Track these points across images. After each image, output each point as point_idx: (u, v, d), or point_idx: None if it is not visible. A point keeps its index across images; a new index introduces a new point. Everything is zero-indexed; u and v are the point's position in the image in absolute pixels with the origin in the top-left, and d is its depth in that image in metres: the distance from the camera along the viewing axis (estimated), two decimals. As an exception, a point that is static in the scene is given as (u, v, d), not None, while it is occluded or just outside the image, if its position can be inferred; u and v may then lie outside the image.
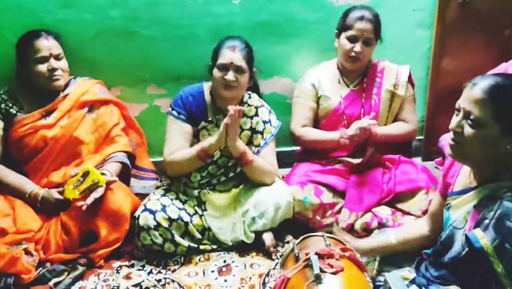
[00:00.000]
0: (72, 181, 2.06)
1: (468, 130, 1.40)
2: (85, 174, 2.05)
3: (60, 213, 2.12)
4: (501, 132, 1.37)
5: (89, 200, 2.02)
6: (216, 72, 2.17)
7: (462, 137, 1.42)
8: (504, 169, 1.43)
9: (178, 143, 2.22)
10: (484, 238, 1.33)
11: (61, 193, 2.08)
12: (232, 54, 2.14)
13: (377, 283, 1.76)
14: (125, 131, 2.44)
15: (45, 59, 2.22)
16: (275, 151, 2.35)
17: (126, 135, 2.45)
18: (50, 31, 2.29)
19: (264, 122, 2.31)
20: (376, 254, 1.85)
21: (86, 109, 2.32)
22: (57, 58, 2.26)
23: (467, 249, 1.39)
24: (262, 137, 2.30)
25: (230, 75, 2.14)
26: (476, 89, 1.38)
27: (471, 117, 1.38)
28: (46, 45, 2.23)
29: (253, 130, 2.30)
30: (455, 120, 1.45)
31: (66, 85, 2.35)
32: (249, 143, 2.30)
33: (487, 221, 1.36)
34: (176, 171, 2.27)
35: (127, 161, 2.34)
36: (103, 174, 2.12)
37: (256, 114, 2.30)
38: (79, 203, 2.01)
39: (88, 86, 2.38)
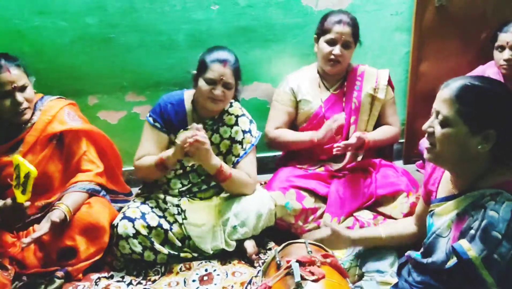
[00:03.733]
0: (14, 183, 1.87)
1: (438, 129, 1.41)
2: (18, 169, 1.85)
3: (29, 229, 2.06)
4: (469, 131, 1.37)
5: (27, 240, 1.88)
6: (203, 85, 2.11)
7: (434, 138, 1.43)
8: (483, 175, 1.43)
9: (148, 150, 2.20)
10: (471, 250, 1.31)
11: (13, 199, 1.90)
12: (223, 70, 2.08)
13: (359, 289, 1.75)
14: (99, 157, 2.28)
15: (8, 94, 2.02)
16: (255, 161, 2.31)
17: (100, 161, 2.28)
18: (11, 57, 2.06)
19: (244, 132, 2.27)
20: (364, 244, 1.85)
21: (54, 142, 2.16)
22: (21, 89, 2.04)
23: (456, 261, 1.36)
24: (242, 147, 2.26)
25: (219, 91, 2.09)
26: (446, 89, 1.40)
27: (440, 116, 1.40)
28: (8, 78, 1.99)
29: (232, 140, 2.26)
30: (428, 121, 1.46)
31: (33, 110, 2.14)
32: (229, 152, 2.27)
33: (472, 231, 1.34)
34: (142, 176, 2.26)
35: (96, 189, 2.19)
36: (58, 205, 2.02)
37: (236, 124, 2.27)
38: (22, 244, 1.89)
39: (56, 111, 2.16)
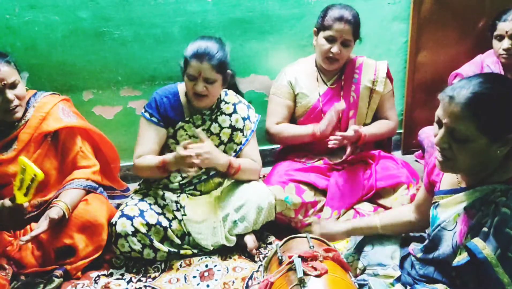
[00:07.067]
0: (16, 184, 1.86)
1: (455, 146, 1.34)
2: (23, 170, 1.83)
3: (26, 227, 2.05)
4: (489, 141, 1.31)
5: (26, 237, 1.87)
6: (186, 81, 2.10)
7: (451, 153, 1.36)
8: (495, 171, 1.39)
9: (148, 146, 2.16)
10: (486, 248, 1.28)
11: (12, 200, 1.87)
12: (200, 66, 2.03)
13: (361, 282, 1.73)
14: (94, 154, 2.26)
15: None
16: (257, 144, 2.32)
17: (95, 158, 2.26)
18: (0, 53, 2.01)
19: (244, 119, 2.26)
20: (361, 234, 1.82)
21: (49, 139, 2.12)
22: (12, 86, 1.99)
23: (466, 259, 1.33)
24: (243, 135, 2.25)
25: (200, 87, 2.06)
26: (454, 104, 1.31)
27: (456, 133, 1.33)
28: None
29: (233, 128, 2.25)
30: (439, 135, 1.38)
31: (25, 107, 2.09)
32: (230, 140, 2.25)
33: (485, 229, 1.31)
34: (141, 175, 2.23)
35: (93, 186, 2.16)
36: (56, 202, 2.00)
37: (235, 111, 2.25)
38: (21, 242, 1.89)
39: (49, 108, 2.11)
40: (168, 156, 2.06)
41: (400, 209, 1.90)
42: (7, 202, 1.89)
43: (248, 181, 2.23)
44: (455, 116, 1.32)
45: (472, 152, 1.34)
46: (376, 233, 1.79)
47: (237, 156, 2.25)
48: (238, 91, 2.38)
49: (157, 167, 2.07)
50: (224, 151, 2.24)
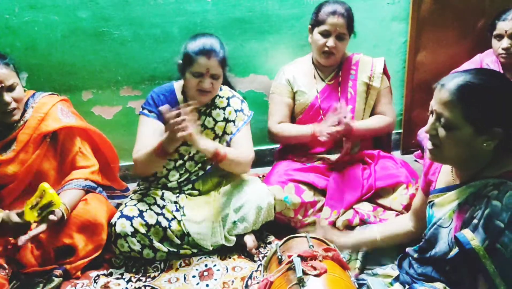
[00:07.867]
0: (30, 202, 1.89)
1: (442, 132, 1.37)
2: (42, 194, 1.87)
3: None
4: (475, 131, 1.34)
5: (25, 237, 1.86)
6: (190, 78, 2.09)
7: (438, 139, 1.39)
8: (486, 166, 1.41)
9: (147, 141, 2.10)
10: (474, 239, 1.30)
11: (20, 215, 1.88)
12: (208, 62, 2.04)
13: (361, 282, 1.74)
14: (93, 154, 2.26)
15: None
16: (250, 137, 2.29)
17: (95, 158, 2.26)
18: (0, 55, 2.00)
19: (236, 111, 2.26)
20: (361, 248, 1.82)
21: (48, 139, 2.11)
22: (9, 89, 1.98)
23: (457, 250, 1.35)
24: (234, 125, 2.25)
25: (207, 84, 2.07)
26: (444, 90, 1.35)
27: (443, 119, 1.36)
28: None
29: (226, 121, 2.25)
30: (429, 122, 1.41)
31: (24, 108, 2.09)
32: (224, 133, 2.26)
33: (475, 221, 1.33)
34: (141, 169, 2.15)
35: (92, 186, 2.17)
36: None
37: (228, 105, 2.26)
38: (19, 242, 1.86)
39: (48, 108, 2.10)
40: (163, 137, 1.99)
41: (398, 220, 1.90)
42: (14, 217, 1.88)
43: (247, 180, 2.23)
44: (443, 102, 1.35)
45: (457, 141, 1.36)
46: (376, 246, 1.79)
47: (228, 146, 2.24)
48: (230, 85, 2.38)
49: (155, 151, 2.00)
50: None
